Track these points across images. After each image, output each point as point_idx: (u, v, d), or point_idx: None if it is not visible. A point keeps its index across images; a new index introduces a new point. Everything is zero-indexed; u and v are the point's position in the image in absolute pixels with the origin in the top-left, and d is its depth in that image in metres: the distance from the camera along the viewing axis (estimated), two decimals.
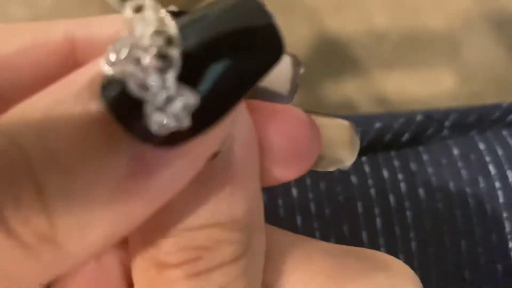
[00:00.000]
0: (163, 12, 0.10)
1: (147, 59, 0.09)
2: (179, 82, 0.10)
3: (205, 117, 0.10)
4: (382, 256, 0.15)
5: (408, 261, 0.25)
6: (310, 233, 0.25)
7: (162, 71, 0.09)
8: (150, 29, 0.10)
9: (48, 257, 0.10)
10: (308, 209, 0.25)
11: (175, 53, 0.10)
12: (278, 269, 0.14)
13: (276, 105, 0.13)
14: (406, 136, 0.27)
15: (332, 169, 0.14)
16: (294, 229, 0.25)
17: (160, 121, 0.10)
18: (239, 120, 0.12)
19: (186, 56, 0.10)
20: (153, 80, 0.09)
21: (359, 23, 0.75)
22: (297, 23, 0.76)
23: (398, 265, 0.15)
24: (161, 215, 0.12)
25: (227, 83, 0.10)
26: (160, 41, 0.09)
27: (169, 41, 0.10)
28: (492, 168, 0.26)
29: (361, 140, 0.27)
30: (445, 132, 0.27)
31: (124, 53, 0.10)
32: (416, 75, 0.73)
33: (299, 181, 0.26)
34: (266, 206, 0.26)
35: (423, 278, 0.25)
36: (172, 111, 0.10)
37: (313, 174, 0.26)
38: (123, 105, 0.10)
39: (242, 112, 0.12)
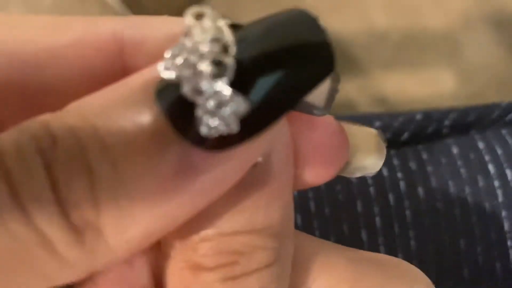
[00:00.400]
0: (221, 22, 0.10)
1: (203, 65, 0.10)
2: (231, 88, 0.10)
3: (253, 124, 0.10)
4: (401, 264, 0.15)
5: (407, 260, 0.25)
6: (310, 232, 0.25)
7: (216, 76, 0.10)
8: (208, 36, 0.10)
9: (90, 246, 0.11)
10: (308, 208, 0.25)
11: (229, 60, 0.10)
12: (302, 276, 0.14)
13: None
14: (405, 135, 0.27)
15: (358, 175, 0.15)
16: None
17: (210, 124, 0.10)
18: (279, 131, 0.12)
19: (241, 65, 0.10)
20: (206, 85, 0.10)
21: (359, 23, 0.75)
22: None
23: (415, 272, 0.15)
24: (200, 218, 0.12)
25: (277, 94, 0.10)
26: (216, 48, 0.10)
27: (225, 49, 0.10)
28: (491, 167, 0.26)
29: None
30: (445, 131, 0.27)
31: (182, 58, 0.10)
32: (416, 75, 0.73)
33: None
34: None
35: None
36: (223, 116, 0.10)
37: None
38: (176, 108, 0.10)
39: (282, 124, 0.12)
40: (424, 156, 0.27)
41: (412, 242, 0.25)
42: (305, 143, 0.13)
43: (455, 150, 0.27)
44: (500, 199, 0.25)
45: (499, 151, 0.26)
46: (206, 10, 0.10)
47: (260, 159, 0.12)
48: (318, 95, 0.13)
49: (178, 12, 0.15)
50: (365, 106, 0.72)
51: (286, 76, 0.10)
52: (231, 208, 0.12)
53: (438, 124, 0.27)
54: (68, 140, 0.10)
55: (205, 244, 0.12)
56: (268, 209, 0.12)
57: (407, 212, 0.25)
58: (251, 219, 0.12)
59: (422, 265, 0.25)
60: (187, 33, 0.10)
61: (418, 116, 0.27)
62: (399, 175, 0.26)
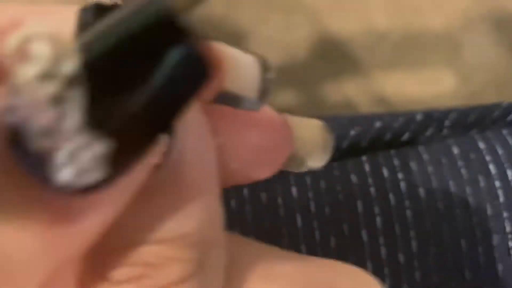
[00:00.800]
0: (60, 40, 0.08)
1: (35, 114, 0.08)
2: (83, 128, 0.08)
3: (122, 160, 0.09)
4: (355, 271, 0.15)
5: (409, 261, 0.25)
6: (310, 232, 0.25)
7: (59, 120, 0.08)
8: (38, 70, 0.08)
9: None
10: (308, 208, 0.25)
11: (74, 96, 0.08)
12: (240, 283, 0.13)
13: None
14: (406, 136, 0.27)
15: (303, 169, 0.14)
16: (294, 228, 0.25)
17: (69, 176, 0.08)
18: (189, 132, 0.11)
19: (92, 92, 0.08)
20: (48, 136, 0.08)
21: (359, 23, 0.75)
22: (297, 23, 0.76)
23: (368, 279, 0.15)
24: (108, 231, 0.11)
25: (141, 121, 0.09)
26: (50, 87, 0.08)
27: (67, 81, 0.08)
28: (492, 168, 0.26)
29: (361, 138, 0.27)
30: (445, 131, 0.27)
31: (19, 100, 0.08)
32: (416, 75, 0.73)
33: (299, 180, 0.26)
34: (266, 206, 0.26)
35: (423, 278, 0.25)
36: (81, 165, 0.08)
37: (313, 173, 0.26)
38: (30, 161, 0.09)
39: (193, 124, 0.11)
40: (425, 156, 0.27)
41: (413, 243, 0.25)
42: (242, 137, 0.13)
43: (455, 151, 0.27)
44: (501, 199, 0.25)
45: (500, 152, 0.26)
46: (38, 29, 0.08)
47: (161, 161, 0.11)
48: (249, 87, 0.12)
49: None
50: (365, 106, 0.72)
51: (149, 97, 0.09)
52: (138, 218, 0.11)
53: (439, 124, 0.27)
54: None
55: (115, 257, 0.11)
56: (181, 216, 0.11)
57: (408, 212, 0.25)
58: (160, 228, 0.11)
59: (423, 266, 0.25)
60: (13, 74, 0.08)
61: (419, 117, 0.27)
62: (400, 175, 0.26)
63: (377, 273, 0.25)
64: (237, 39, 0.76)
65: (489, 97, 0.70)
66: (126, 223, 0.11)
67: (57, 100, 0.08)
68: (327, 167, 0.26)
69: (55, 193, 0.09)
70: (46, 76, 0.07)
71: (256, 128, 0.13)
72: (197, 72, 0.09)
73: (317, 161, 0.14)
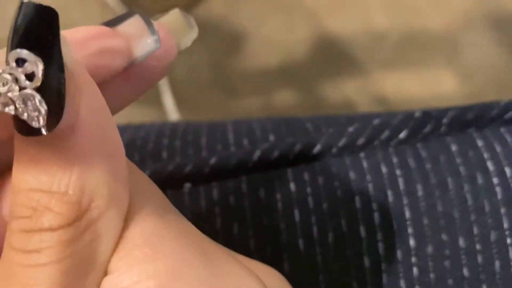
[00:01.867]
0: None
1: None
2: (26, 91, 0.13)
3: (50, 92, 0.13)
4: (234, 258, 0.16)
5: (406, 258, 0.25)
6: (307, 228, 0.25)
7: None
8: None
9: None
10: (306, 204, 0.25)
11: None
12: (113, 264, 0.15)
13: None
14: (404, 133, 0.27)
15: (188, 45, 0.18)
16: (292, 223, 0.25)
17: (30, 115, 0.13)
18: (85, 91, 0.14)
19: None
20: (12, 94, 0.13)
21: (359, 23, 0.75)
22: (297, 23, 0.76)
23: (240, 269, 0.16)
24: (17, 173, 0.14)
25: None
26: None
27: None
28: (490, 165, 0.26)
29: (359, 135, 0.27)
30: (443, 129, 0.27)
31: None
32: (416, 75, 0.73)
33: (297, 176, 0.26)
34: (264, 200, 0.26)
35: (421, 275, 0.25)
36: (32, 106, 0.13)
37: (311, 169, 0.26)
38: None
39: (88, 84, 0.14)
40: (423, 153, 0.27)
41: (411, 240, 0.25)
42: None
43: (454, 148, 0.27)
44: (499, 196, 0.25)
45: (498, 149, 0.26)
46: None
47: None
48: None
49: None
50: (365, 106, 0.72)
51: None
52: (38, 164, 0.14)
53: (437, 122, 0.27)
54: None
55: (13, 196, 0.14)
56: (65, 173, 0.14)
57: (406, 209, 0.25)
58: (46, 180, 0.14)
59: (421, 263, 0.25)
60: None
61: (417, 114, 0.27)
62: (398, 172, 0.26)
63: (375, 268, 0.25)
64: (237, 39, 0.76)
65: (488, 97, 0.70)
66: (25, 169, 0.14)
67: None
68: (325, 163, 0.27)
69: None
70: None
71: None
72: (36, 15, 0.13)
73: (190, 37, 0.18)
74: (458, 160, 0.26)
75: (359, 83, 0.73)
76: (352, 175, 0.26)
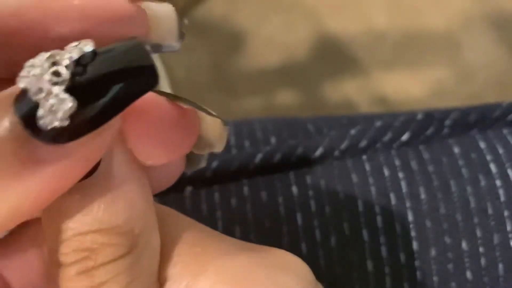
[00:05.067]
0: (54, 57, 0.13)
1: (46, 75, 0.13)
2: (65, 93, 0.13)
3: (86, 123, 0.13)
4: (284, 254, 0.17)
5: (409, 261, 0.25)
6: (310, 231, 0.25)
7: (53, 84, 0.13)
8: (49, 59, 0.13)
9: None
10: (309, 207, 0.25)
11: (64, 72, 0.13)
12: (175, 265, 0.16)
13: (147, 105, 0.16)
14: (406, 135, 0.27)
15: (206, 152, 0.18)
16: (294, 227, 0.25)
17: (47, 121, 0.13)
18: (118, 138, 0.15)
19: (79, 80, 0.13)
20: (45, 87, 0.13)
21: (359, 23, 0.75)
22: (297, 23, 0.76)
23: (295, 262, 0.17)
24: (57, 224, 0.15)
25: (110, 101, 0.13)
26: (54, 66, 0.13)
27: (66, 68, 0.13)
28: (493, 167, 0.26)
29: (361, 138, 0.27)
30: (446, 131, 0.27)
31: (33, 70, 0.13)
32: (416, 75, 0.73)
33: (299, 179, 0.26)
34: (266, 203, 0.26)
35: (424, 278, 0.25)
36: (56, 112, 0.13)
37: (313, 172, 0.26)
38: (26, 111, 0.13)
39: (118, 147, 0.15)
40: (425, 155, 0.27)
41: (414, 243, 0.25)
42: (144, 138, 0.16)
43: (456, 150, 0.27)
44: (502, 198, 0.25)
45: (501, 151, 0.26)
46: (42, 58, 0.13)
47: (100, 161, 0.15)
48: (169, 31, 0.16)
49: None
50: (365, 106, 0.72)
51: (116, 89, 0.13)
52: (79, 212, 0.15)
53: (439, 124, 0.27)
54: None
55: (63, 244, 0.15)
56: (112, 209, 0.15)
57: (409, 212, 0.25)
58: (96, 220, 0.15)
59: (424, 266, 0.25)
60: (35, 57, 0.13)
61: (419, 116, 0.27)
62: (400, 174, 0.26)
63: (378, 272, 0.25)
64: (237, 39, 0.76)
65: (489, 97, 0.70)
66: (71, 217, 0.15)
67: (56, 73, 0.13)
68: (328, 166, 0.26)
69: (34, 137, 0.13)
70: (50, 59, 0.13)
71: (152, 125, 0.16)
72: (147, 87, 0.14)
73: (215, 147, 0.17)
74: (460, 162, 0.26)
75: (359, 83, 0.73)
76: (354, 178, 0.26)
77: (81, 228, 0.15)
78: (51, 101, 0.13)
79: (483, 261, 0.25)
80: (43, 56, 0.13)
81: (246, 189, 0.26)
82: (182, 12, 0.15)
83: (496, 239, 0.25)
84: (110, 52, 0.14)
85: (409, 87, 0.72)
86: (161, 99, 0.16)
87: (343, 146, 0.27)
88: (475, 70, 0.73)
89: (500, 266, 0.24)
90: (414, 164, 0.26)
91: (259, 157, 0.26)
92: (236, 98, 0.73)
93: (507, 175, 0.26)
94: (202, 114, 0.17)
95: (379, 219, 0.25)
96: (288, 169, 0.26)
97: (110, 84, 0.13)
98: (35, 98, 0.13)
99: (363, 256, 0.25)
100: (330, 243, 0.25)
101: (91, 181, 0.15)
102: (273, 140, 0.28)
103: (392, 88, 0.72)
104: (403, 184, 0.26)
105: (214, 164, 0.26)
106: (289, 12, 0.76)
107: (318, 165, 0.27)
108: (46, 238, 0.16)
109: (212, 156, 0.18)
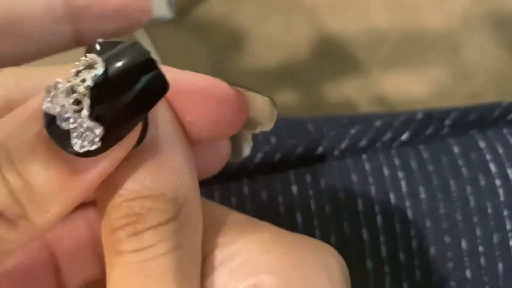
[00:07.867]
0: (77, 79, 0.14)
1: (68, 105, 0.14)
2: (91, 121, 0.14)
3: (109, 140, 0.15)
4: (316, 240, 0.19)
5: (409, 260, 0.25)
6: (310, 231, 0.25)
7: (77, 111, 0.14)
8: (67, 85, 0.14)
9: (24, 229, 0.16)
10: (308, 206, 0.25)
11: (85, 100, 0.14)
12: (224, 235, 0.18)
13: (203, 82, 0.17)
14: (406, 135, 0.27)
15: (256, 131, 0.19)
16: (294, 226, 0.25)
17: (80, 145, 0.15)
18: (159, 115, 0.16)
19: (96, 101, 0.14)
20: (71, 118, 0.14)
21: (359, 23, 0.75)
22: (297, 23, 0.76)
23: (332, 249, 0.19)
24: (108, 191, 0.16)
25: (121, 118, 0.15)
26: (75, 96, 0.14)
27: (83, 94, 0.14)
28: (492, 166, 0.26)
29: (361, 137, 0.27)
30: (446, 130, 0.27)
31: (55, 96, 0.14)
32: (416, 75, 0.73)
33: (299, 179, 0.26)
34: (266, 203, 0.26)
35: (423, 277, 0.25)
36: (88, 138, 0.15)
37: (313, 171, 0.26)
38: (58, 132, 0.15)
39: (162, 108, 0.16)
40: (425, 155, 0.27)
41: (414, 242, 0.25)
42: (201, 113, 0.17)
43: (456, 149, 0.27)
44: (502, 198, 0.25)
45: (501, 150, 0.26)
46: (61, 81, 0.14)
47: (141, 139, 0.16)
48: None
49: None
50: (365, 106, 0.72)
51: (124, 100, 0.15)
52: (129, 178, 0.16)
53: (439, 123, 0.27)
54: None
55: (115, 210, 0.16)
56: (157, 177, 0.16)
57: (408, 211, 0.25)
58: (144, 187, 0.16)
59: (424, 265, 0.25)
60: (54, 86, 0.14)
61: (419, 116, 0.27)
62: (400, 174, 0.26)
63: (378, 271, 0.25)
64: (237, 39, 0.76)
65: (488, 97, 0.70)
66: (121, 184, 0.16)
67: (78, 101, 0.14)
68: (327, 166, 0.26)
69: (70, 154, 0.15)
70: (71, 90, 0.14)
71: (214, 105, 0.17)
72: (159, 86, 0.15)
73: (265, 126, 0.19)
74: (460, 162, 0.26)
75: (359, 83, 0.73)
76: (354, 177, 0.26)
77: (130, 194, 0.16)
78: (81, 129, 0.14)
79: (482, 260, 0.25)
80: (62, 85, 0.14)
81: (246, 189, 0.26)
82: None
83: (495, 238, 0.25)
84: (117, 61, 0.15)
85: (409, 87, 0.72)
86: (220, 80, 0.17)
87: (343, 145, 0.27)
88: (475, 70, 0.72)
89: (500, 265, 0.25)
90: (414, 164, 0.26)
91: (259, 156, 0.27)
92: None
93: (507, 175, 0.26)
94: (253, 94, 0.18)
95: (379, 218, 0.25)
96: (288, 169, 0.27)
97: (128, 103, 0.15)
98: (65, 126, 0.14)
99: (363, 255, 0.25)
100: (330, 242, 0.25)
101: (139, 150, 0.16)
102: (273, 139, 0.28)
103: (392, 88, 0.72)
104: (403, 184, 0.26)
105: None
106: (289, 12, 0.76)
107: (318, 164, 0.27)
108: (99, 204, 0.17)
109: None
